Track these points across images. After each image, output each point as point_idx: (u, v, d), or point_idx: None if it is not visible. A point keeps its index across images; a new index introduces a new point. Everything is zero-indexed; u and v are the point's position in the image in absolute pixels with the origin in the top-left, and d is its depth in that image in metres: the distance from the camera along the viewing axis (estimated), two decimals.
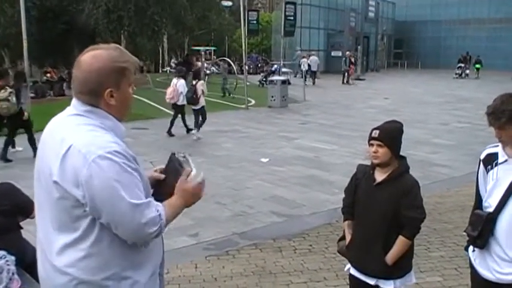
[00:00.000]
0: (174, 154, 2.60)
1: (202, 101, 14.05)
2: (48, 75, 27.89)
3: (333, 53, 44.38)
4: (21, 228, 4.55)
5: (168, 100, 14.72)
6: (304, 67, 32.05)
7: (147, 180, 2.43)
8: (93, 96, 2.30)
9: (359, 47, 41.84)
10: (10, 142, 11.70)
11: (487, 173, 3.25)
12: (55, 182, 2.22)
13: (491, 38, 48.99)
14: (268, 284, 5.40)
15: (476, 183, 3.40)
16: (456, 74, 39.33)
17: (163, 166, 2.66)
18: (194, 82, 14.07)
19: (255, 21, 33.09)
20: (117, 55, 2.34)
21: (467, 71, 39.73)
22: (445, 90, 28.35)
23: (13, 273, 4.22)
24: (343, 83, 33.11)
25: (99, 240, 2.26)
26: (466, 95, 25.81)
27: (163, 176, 2.58)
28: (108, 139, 2.23)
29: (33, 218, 4.19)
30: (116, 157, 2.18)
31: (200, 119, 14.10)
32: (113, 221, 2.21)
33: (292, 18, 27.73)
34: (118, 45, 2.46)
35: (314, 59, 34.45)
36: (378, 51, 51.01)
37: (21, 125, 11.66)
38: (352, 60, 34.73)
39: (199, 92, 13.84)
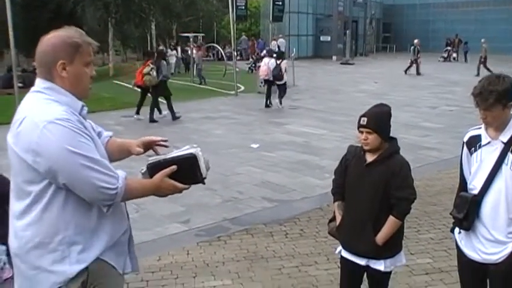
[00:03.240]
0: (195, 154, 2.63)
1: (285, 77, 16.94)
2: (35, 63, 27.70)
3: (321, 38, 44.23)
4: None
5: (262, 77, 17.31)
6: (274, 47, 31.90)
7: (103, 150, 2.58)
8: (47, 69, 2.48)
9: (347, 31, 41.70)
10: (154, 107, 14.72)
11: (471, 155, 3.28)
12: (13, 151, 2.40)
13: (479, 20, 48.99)
14: (259, 269, 5.42)
15: (460, 166, 3.43)
16: (442, 57, 39.25)
17: (175, 152, 2.67)
18: (279, 61, 16.73)
19: (243, 7, 32.86)
20: (74, 33, 2.55)
21: (454, 55, 39.70)
22: (434, 73, 28.38)
23: (4, 263, 4.22)
24: (405, 73, 28.22)
25: (50, 205, 2.40)
26: (454, 78, 25.85)
27: (175, 167, 2.60)
28: (60, 109, 2.39)
29: None
30: (65, 122, 2.33)
31: (282, 92, 16.94)
32: (69, 179, 2.35)
33: (280, 3, 27.61)
34: (80, 30, 2.64)
35: (281, 41, 34.32)
36: (366, 36, 50.87)
37: (162, 94, 14.88)
38: (418, 49, 28.96)
39: (283, 70, 16.68)
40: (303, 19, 44.87)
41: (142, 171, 2.63)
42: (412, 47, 29.24)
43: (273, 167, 9.50)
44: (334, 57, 39.59)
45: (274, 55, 17.37)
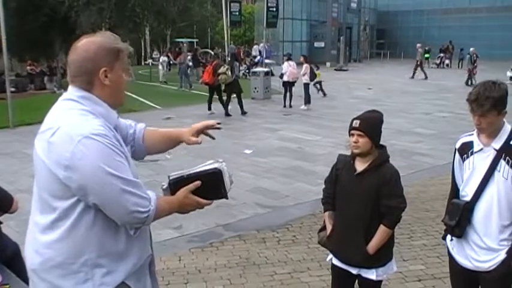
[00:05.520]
0: (220, 169, 2.56)
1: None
2: (29, 67, 27.61)
3: (315, 44, 44.41)
4: (1, 223, 4.51)
5: (292, 79, 18.20)
6: (256, 53, 32.16)
7: (134, 167, 2.43)
8: (88, 78, 2.34)
9: (341, 37, 41.84)
10: (228, 103, 16.71)
11: (463, 162, 3.28)
12: (42, 161, 2.26)
13: (472, 27, 49.29)
14: (252, 275, 5.40)
15: (452, 172, 3.43)
16: (434, 63, 39.37)
17: (199, 167, 2.59)
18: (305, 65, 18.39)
19: (237, 13, 32.83)
20: (112, 38, 2.42)
21: (447, 61, 39.87)
22: (427, 80, 28.49)
23: None
24: (467, 84, 25.17)
25: (77, 224, 2.27)
26: (448, 84, 25.97)
27: (199, 182, 2.51)
28: (96, 123, 2.26)
29: (12, 213, 4.15)
30: (102, 138, 2.20)
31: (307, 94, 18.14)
32: (101, 199, 2.22)
33: (274, 9, 27.61)
34: (115, 35, 2.51)
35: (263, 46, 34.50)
36: (360, 42, 51.09)
37: (234, 91, 16.74)
38: (475, 57, 26.88)
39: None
40: (297, 25, 45.11)
41: (164, 187, 2.52)
42: (468, 56, 27.76)
43: (266, 173, 9.48)
44: (328, 64, 39.74)
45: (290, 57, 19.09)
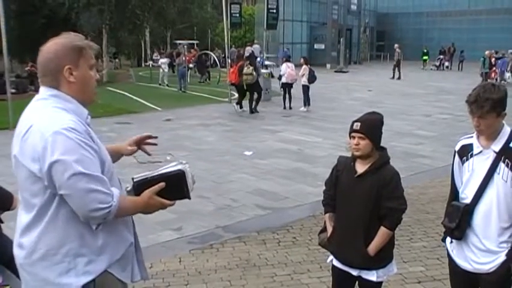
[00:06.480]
0: (184, 170, 2.58)
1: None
2: (27, 68, 27.59)
3: (315, 46, 44.42)
4: (2, 222, 4.52)
5: (290, 80, 18.32)
6: (248, 53, 32.22)
7: (106, 162, 2.52)
8: (54, 76, 2.46)
9: (342, 39, 41.87)
10: (253, 101, 17.31)
11: (463, 164, 3.28)
12: (15, 157, 2.41)
13: (472, 29, 49.34)
14: (252, 277, 5.40)
15: (451, 175, 3.43)
16: (434, 65, 39.40)
17: (163, 169, 2.61)
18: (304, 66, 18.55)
19: (237, 14, 32.97)
20: (74, 37, 2.53)
21: (447, 63, 39.89)
22: (427, 82, 28.52)
23: None
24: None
25: (55, 218, 2.39)
26: (448, 86, 25.99)
27: (163, 184, 2.54)
28: (68, 118, 2.36)
29: (13, 209, 4.16)
30: (70, 133, 2.30)
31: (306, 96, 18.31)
32: (65, 191, 2.31)
33: (274, 11, 27.69)
34: (79, 34, 2.62)
35: (256, 47, 34.57)
36: (360, 44, 51.11)
37: (256, 90, 17.37)
38: (493, 61, 25.79)
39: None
40: (297, 27, 45.12)
41: (128, 188, 2.57)
42: (482, 59, 26.77)
43: (266, 174, 9.49)
44: (328, 65, 39.76)
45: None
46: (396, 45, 32.97)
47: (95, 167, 2.35)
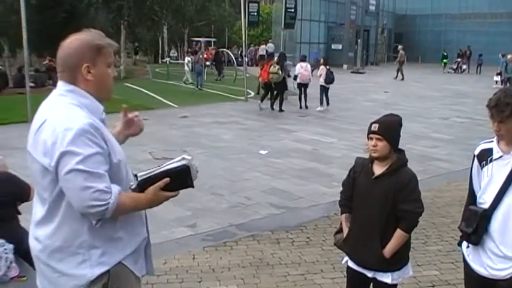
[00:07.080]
0: (188, 165, 2.57)
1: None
2: (45, 62, 27.78)
3: (333, 46, 44.24)
4: (19, 213, 4.57)
5: (303, 81, 18.41)
6: (263, 52, 33.21)
7: (122, 160, 2.56)
8: (72, 73, 2.48)
9: (359, 40, 41.67)
10: (282, 99, 17.80)
11: (482, 168, 3.24)
12: (29, 151, 2.46)
13: (491, 32, 48.81)
14: (265, 276, 5.41)
15: (470, 179, 3.39)
16: (451, 68, 39.00)
17: (167, 164, 2.60)
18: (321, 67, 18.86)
19: (255, 13, 32.91)
20: (96, 36, 2.54)
21: (464, 66, 39.50)
22: (445, 84, 28.31)
23: (11, 262, 4.24)
24: None
25: (69, 211, 2.41)
26: (465, 89, 25.78)
27: (168, 179, 2.53)
28: (80, 114, 2.39)
29: (31, 200, 4.22)
30: (80, 130, 2.32)
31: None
32: (63, 186, 2.35)
33: (292, 10, 27.57)
34: (100, 32, 2.63)
35: (270, 45, 34.68)
36: (377, 45, 50.83)
37: (282, 89, 17.79)
38: None
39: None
40: (315, 27, 44.90)
41: (132, 186, 2.56)
42: (505, 64, 25.03)
43: (281, 173, 9.48)
44: (345, 66, 39.56)
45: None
46: (400, 47, 33.36)
47: (98, 164, 2.35)
